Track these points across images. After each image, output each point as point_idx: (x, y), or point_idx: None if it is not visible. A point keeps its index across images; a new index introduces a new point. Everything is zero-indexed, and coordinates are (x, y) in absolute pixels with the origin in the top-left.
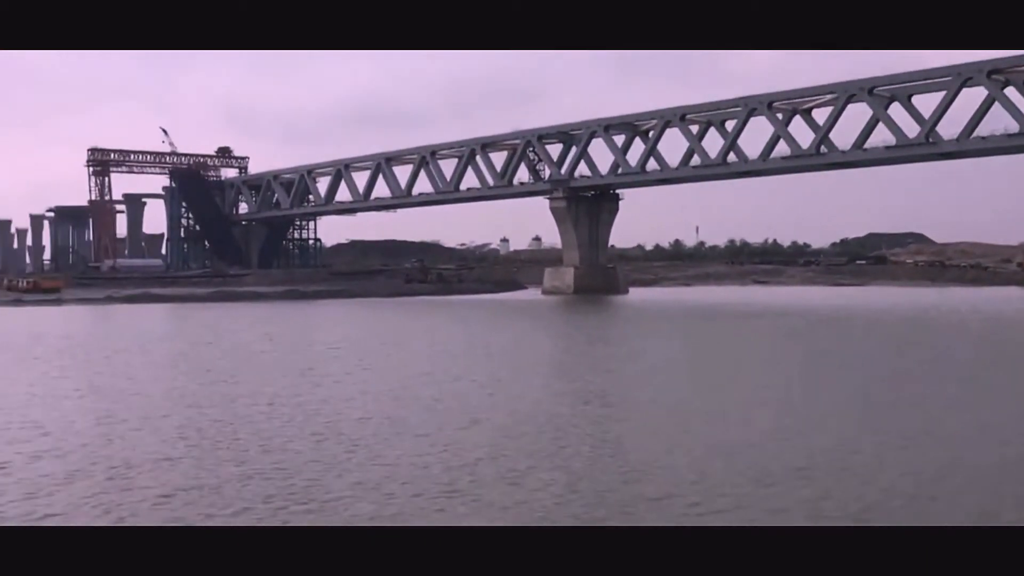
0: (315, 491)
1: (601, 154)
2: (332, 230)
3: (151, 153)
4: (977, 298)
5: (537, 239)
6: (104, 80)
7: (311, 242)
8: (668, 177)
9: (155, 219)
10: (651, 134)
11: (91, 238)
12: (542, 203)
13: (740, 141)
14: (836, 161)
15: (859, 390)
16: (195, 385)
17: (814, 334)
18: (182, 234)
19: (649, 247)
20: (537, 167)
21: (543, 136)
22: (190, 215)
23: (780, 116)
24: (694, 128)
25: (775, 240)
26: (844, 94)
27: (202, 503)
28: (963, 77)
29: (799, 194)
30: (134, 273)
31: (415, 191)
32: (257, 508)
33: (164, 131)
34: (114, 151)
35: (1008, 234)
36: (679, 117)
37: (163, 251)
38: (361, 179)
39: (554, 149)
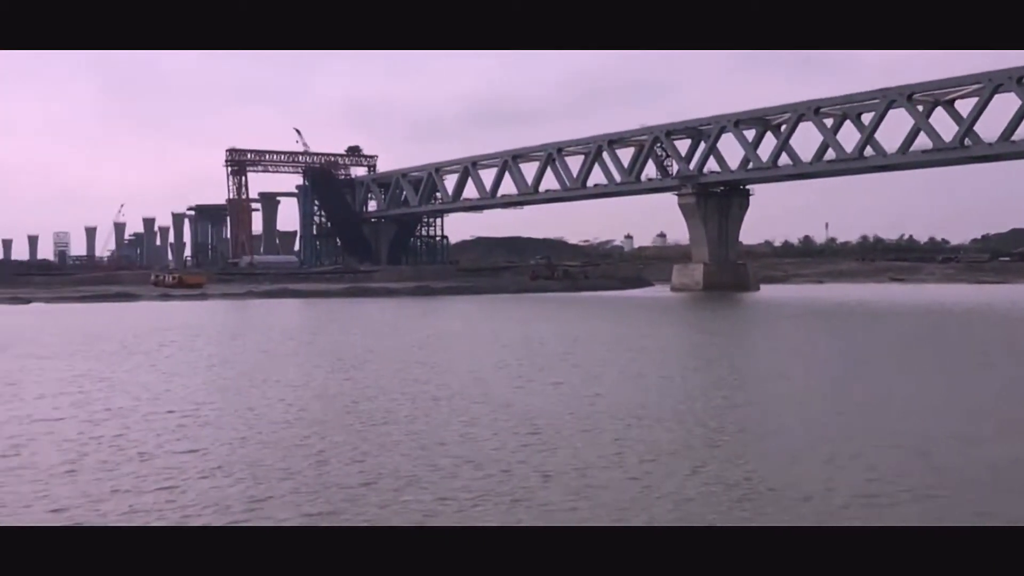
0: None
1: (730, 149)
2: (457, 227)
3: (285, 153)
4: None
5: (662, 236)
6: (239, 83)
7: (438, 239)
8: (801, 172)
9: (288, 217)
10: (783, 128)
11: (229, 235)
12: (667, 199)
13: (877, 134)
14: (982, 155)
15: None
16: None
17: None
18: (314, 231)
19: (777, 243)
20: (665, 163)
21: (671, 132)
22: (322, 213)
23: (920, 108)
24: (828, 121)
25: (910, 236)
26: (990, 84)
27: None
28: None
29: (936, 188)
30: (270, 269)
31: (542, 188)
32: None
33: (298, 131)
34: (250, 151)
35: None
36: (813, 110)
37: (296, 248)
38: (488, 176)
39: (682, 145)
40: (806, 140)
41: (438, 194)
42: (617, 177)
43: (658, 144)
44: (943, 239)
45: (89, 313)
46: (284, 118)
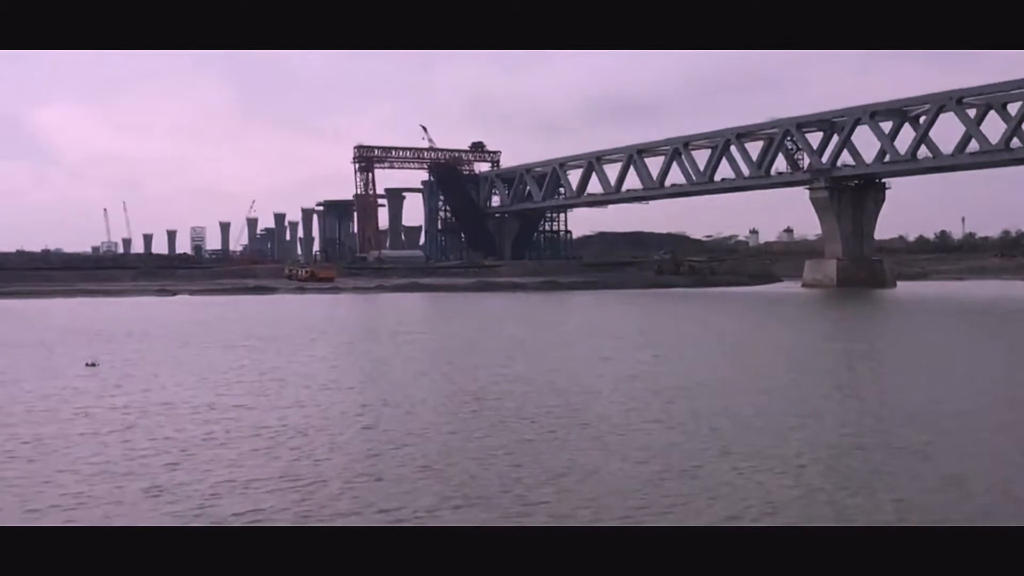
0: None
1: (864, 142)
2: (578, 222)
3: (411, 149)
4: None
5: (788, 230)
6: (365, 81)
7: (561, 234)
8: (942, 165)
9: (412, 212)
10: (922, 119)
11: (356, 230)
12: (793, 194)
13: None
14: None
15: None
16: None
17: None
18: (439, 226)
19: (911, 238)
20: (795, 156)
21: (802, 124)
22: (447, 208)
23: None
24: (971, 112)
25: None
26: None
27: None
28: None
29: None
30: (398, 263)
31: (667, 182)
32: None
33: (424, 128)
34: (377, 148)
35: None
36: (955, 101)
37: (421, 242)
38: (611, 171)
39: (813, 138)
40: (945, 132)
41: (561, 189)
42: (745, 171)
43: (788, 137)
44: None
45: (235, 305)
46: (408, 115)
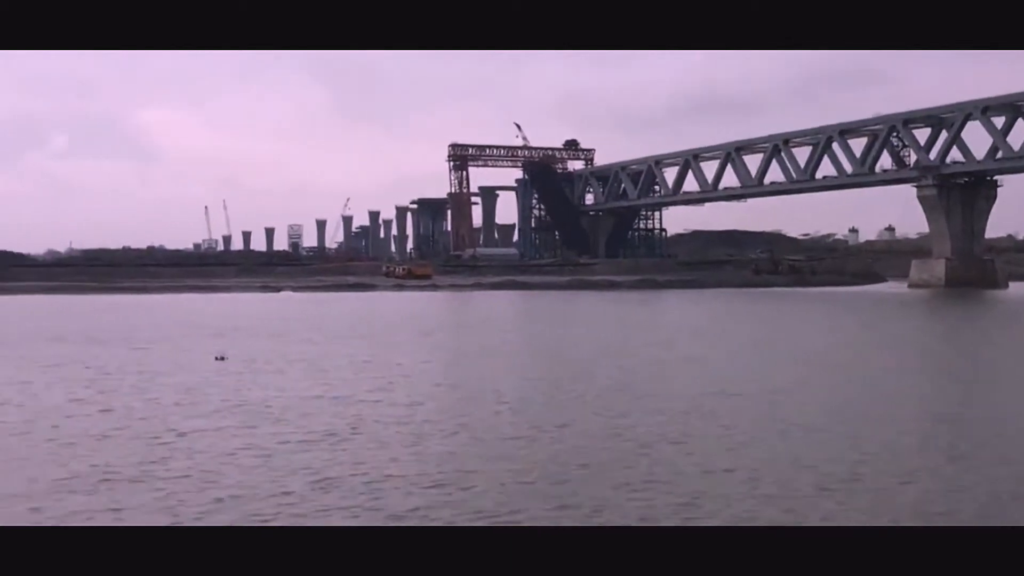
0: None
1: (974, 138)
2: (671, 220)
3: (505, 147)
4: None
5: (890, 229)
6: (455, 80)
7: (656, 232)
8: None
9: (504, 210)
10: None
11: (449, 228)
12: (895, 191)
13: None
14: None
15: None
16: None
17: None
18: (533, 224)
19: (1021, 236)
20: (901, 153)
21: (909, 120)
22: (541, 206)
23: None
24: None
25: None
26: None
27: None
28: None
29: None
30: (492, 261)
31: (766, 180)
32: None
33: (518, 126)
34: (471, 147)
35: None
36: None
37: (514, 240)
38: (708, 169)
39: (920, 134)
40: None
41: (657, 187)
42: (848, 168)
43: (894, 133)
44: None
45: (339, 302)
46: (500, 113)
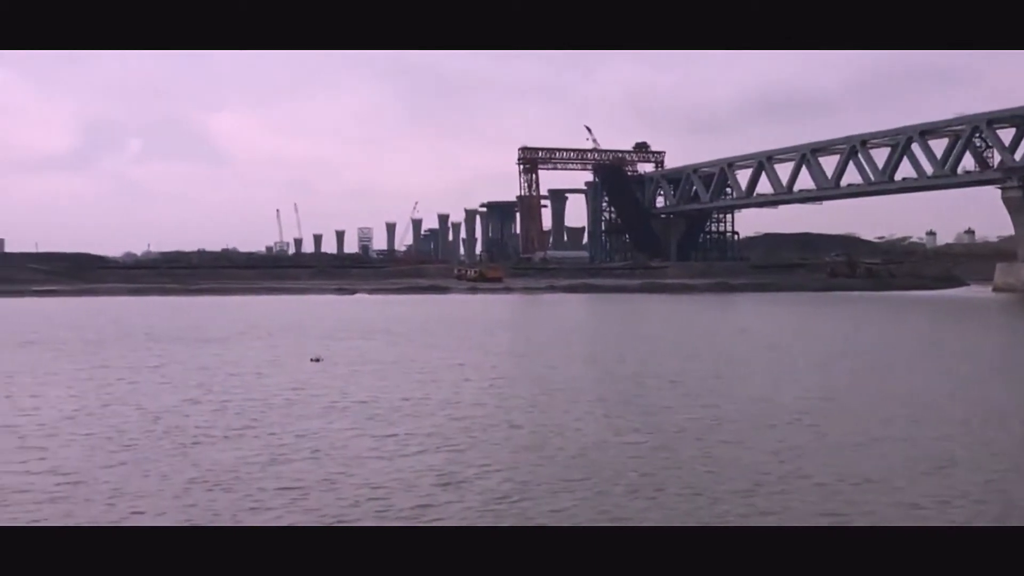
0: None
1: None
2: (743, 222)
3: (574, 150)
4: None
5: (969, 232)
6: (522, 81)
7: (728, 235)
8: None
9: (573, 213)
10: None
11: (518, 231)
12: (975, 193)
13: None
14: None
15: None
16: None
17: None
18: (603, 227)
19: None
20: (984, 154)
21: (993, 120)
22: (612, 209)
23: None
24: None
25: None
26: None
27: None
28: None
29: None
30: (562, 264)
31: (842, 182)
32: None
33: (588, 129)
34: (541, 149)
35: None
36: None
37: (584, 243)
38: (782, 171)
39: (1004, 134)
40: None
41: (729, 189)
42: (928, 170)
43: (977, 134)
44: None
45: (415, 304)
46: (569, 116)
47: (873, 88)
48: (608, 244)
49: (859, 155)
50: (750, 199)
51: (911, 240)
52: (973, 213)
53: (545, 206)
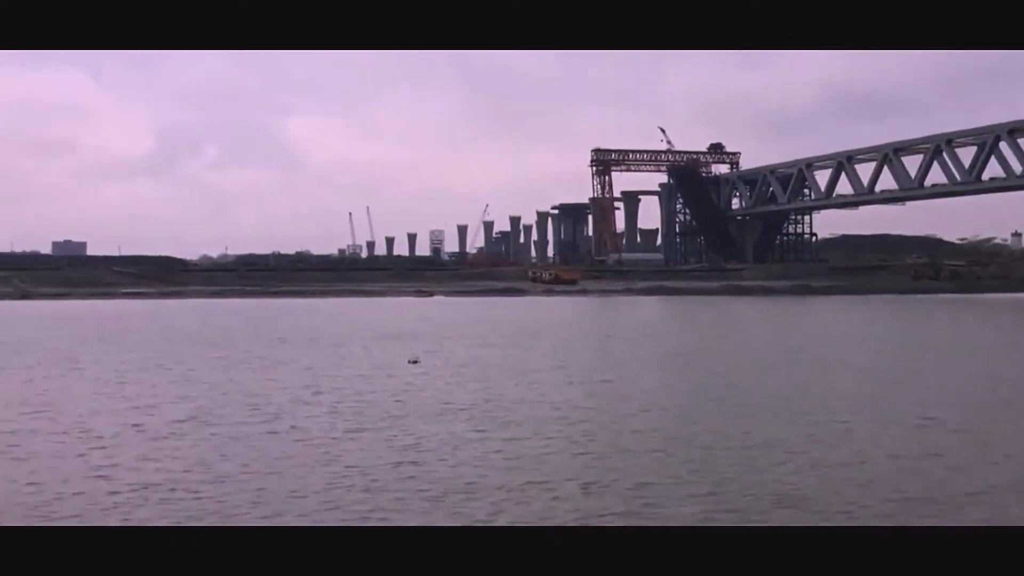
0: None
1: None
2: (819, 224)
3: (648, 152)
4: None
5: None
6: (594, 81)
7: (806, 236)
8: None
9: (646, 215)
10: None
11: (590, 233)
12: None
13: None
14: None
15: None
16: None
17: None
18: (677, 229)
19: None
20: None
21: None
22: (686, 210)
23: None
24: None
25: None
26: None
27: None
28: None
29: None
30: (637, 266)
31: (927, 182)
32: None
33: (662, 130)
34: (614, 151)
35: None
36: None
37: (657, 245)
38: (863, 171)
39: None
40: None
41: (807, 190)
42: (1018, 169)
43: None
44: None
45: (497, 306)
46: (640, 117)
47: (959, 86)
48: (682, 246)
49: (944, 154)
50: (830, 200)
51: (995, 241)
52: None
53: (618, 208)
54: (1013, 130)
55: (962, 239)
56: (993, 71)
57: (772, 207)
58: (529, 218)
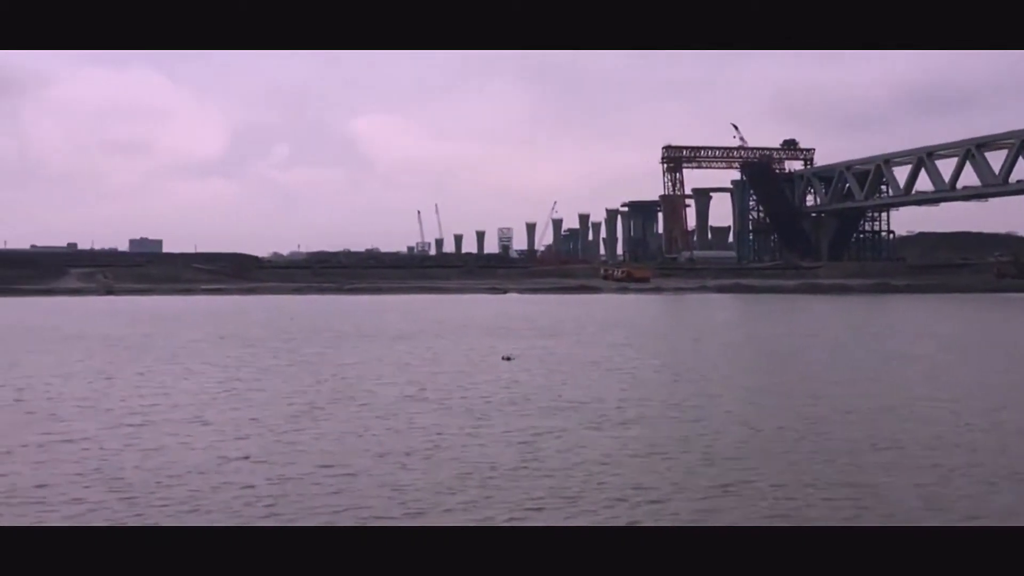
0: None
1: None
2: (895, 221)
3: (719, 148)
4: None
5: None
6: (663, 78)
7: (883, 234)
8: None
9: (717, 212)
10: None
11: (660, 230)
12: None
13: None
14: None
15: None
16: None
17: None
18: (750, 226)
19: None
20: None
21: None
22: (759, 208)
23: None
24: None
25: None
26: None
27: None
28: None
29: None
30: (709, 264)
31: (1012, 178)
32: None
33: (735, 127)
34: (686, 148)
35: None
36: None
37: (729, 242)
38: (943, 167)
39: None
40: None
41: (884, 187)
42: None
43: None
44: None
45: (574, 304)
46: (712, 114)
47: None
48: (755, 244)
49: None
50: (909, 197)
51: None
52: None
53: (688, 205)
54: None
55: None
56: None
57: (849, 204)
58: (598, 216)
